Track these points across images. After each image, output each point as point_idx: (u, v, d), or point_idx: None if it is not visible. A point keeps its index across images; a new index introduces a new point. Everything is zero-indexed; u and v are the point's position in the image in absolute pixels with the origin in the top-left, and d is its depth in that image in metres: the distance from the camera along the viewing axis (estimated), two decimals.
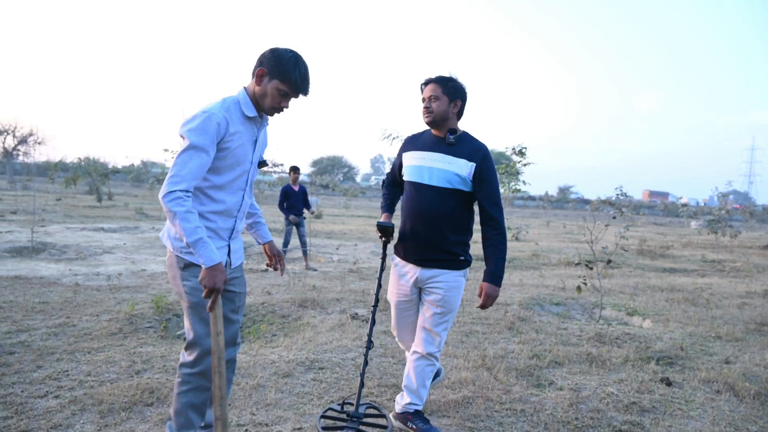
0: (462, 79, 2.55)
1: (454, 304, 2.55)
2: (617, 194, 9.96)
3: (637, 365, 3.79)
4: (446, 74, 2.53)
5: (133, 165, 45.64)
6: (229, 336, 2.12)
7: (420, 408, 2.64)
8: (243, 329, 4.50)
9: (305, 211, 8.01)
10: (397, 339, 2.83)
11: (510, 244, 11.89)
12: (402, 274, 2.62)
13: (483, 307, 2.49)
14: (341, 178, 73.48)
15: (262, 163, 2.28)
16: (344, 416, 2.59)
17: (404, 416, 2.63)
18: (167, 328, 4.15)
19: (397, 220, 2.69)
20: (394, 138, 13.72)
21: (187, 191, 1.87)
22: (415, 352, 2.61)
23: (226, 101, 2.03)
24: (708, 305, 6.18)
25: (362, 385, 2.59)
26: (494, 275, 2.47)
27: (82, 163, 25.71)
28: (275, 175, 35.41)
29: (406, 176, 2.61)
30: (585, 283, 5.31)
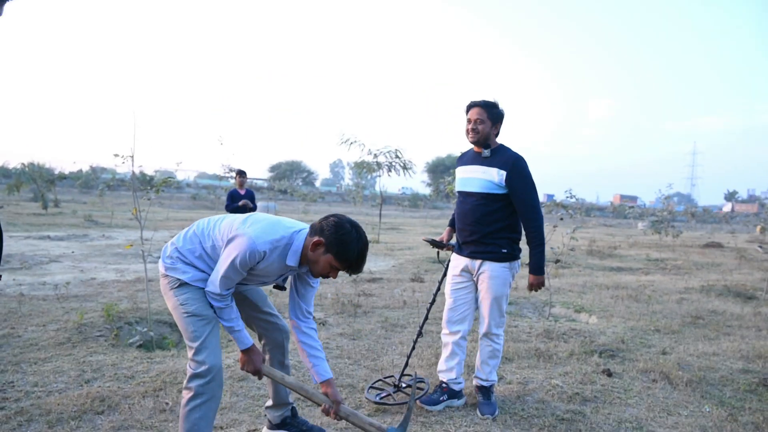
0: (501, 104, 2.99)
1: (501, 292, 2.96)
2: (567, 197, 10.36)
3: (581, 358, 3.99)
4: (490, 100, 2.95)
5: (81, 171, 43.83)
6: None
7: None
8: None
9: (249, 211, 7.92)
10: (446, 317, 3.13)
11: None
12: (458, 266, 3.06)
13: (530, 290, 3.02)
14: (300, 183, 72.85)
15: (280, 287, 2.42)
16: (390, 385, 3.20)
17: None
18: (118, 336, 4.06)
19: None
20: (351, 143, 13.80)
21: (223, 294, 2.12)
22: (483, 335, 3.06)
23: (279, 241, 2.09)
24: (649, 301, 6.53)
25: (407, 365, 3.29)
26: (535, 266, 2.94)
27: (26, 168, 24.51)
28: (231, 181, 34.84)
29: (456, 187, 3.14)
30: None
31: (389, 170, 14.45)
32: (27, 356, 3.50)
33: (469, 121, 2.95)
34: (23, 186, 23.82)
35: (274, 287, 2.42)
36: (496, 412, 2.92)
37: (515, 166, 2.88)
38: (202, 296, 2.16)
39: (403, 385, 3.22)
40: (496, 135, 3.00)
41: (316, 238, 2.07)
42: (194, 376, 2.06)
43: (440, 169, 65.75)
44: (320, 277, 2.20)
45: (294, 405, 2.62)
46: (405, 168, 14.40)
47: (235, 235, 2.08)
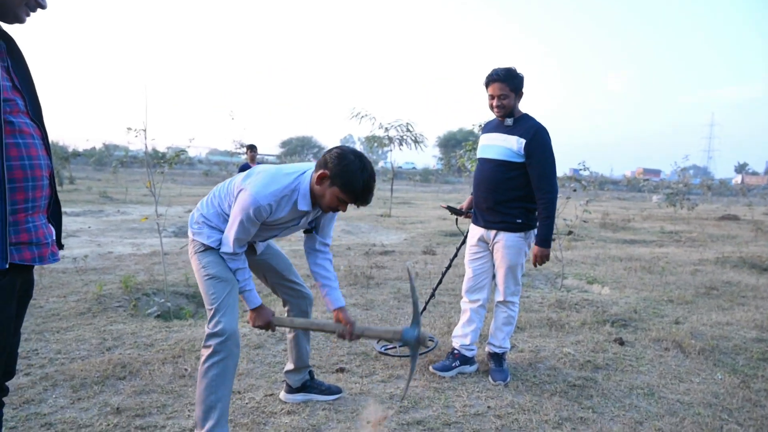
0: (518, 69, 2.89)
1: (516, 261, 2.96)
2: (580, 169, 10.23)
3: (593, 328, 4.00)
4: (508, 69, 2.86)
5: (94, 148, 44.13)
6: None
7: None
8: None
9: None
10: (465, 292, 3.15)
11: None
12: (474, 235, 3.09)
13: (535, 264, 2.95)
14: (311, 159, 72.76)
15: (308, 231, 2.38)
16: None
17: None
18: (137, 307, 4.15)
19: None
20: (362, 117, 13.71)
21: (236, 253, 2.16)
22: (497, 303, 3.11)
23: (283, 191, 2.07)
24: (663, 272, 6.50)
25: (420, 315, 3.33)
26: (541, 238, 2.90)
27: None
28: (243, 156, 34.95)
29: (477, 154, 3.12)
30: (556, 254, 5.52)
31: (400, 144, 14.36)
32: (49, 326, 3.60)
33: (491, 96, 2.90)
34: None
35: (304, 232, 2.39)
36: (508, 379, 2.96)
37: (536, 136, 2.85)
38: (222, 260, 2.20)
39: None
40: (519, 101, 2.97)
41: (320, 171, 2.06)
42: (211, 335, 2.10)
43: (452, 143, 65.21)
44: (330, 212, 2.19)
45: (311, 368, 2.68)
46: (416, 141, 14.31)
47: (238, 192, 2.10)
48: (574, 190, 6.57)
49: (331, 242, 2.41)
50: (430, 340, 3.37)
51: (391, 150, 15.20)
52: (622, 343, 3.66)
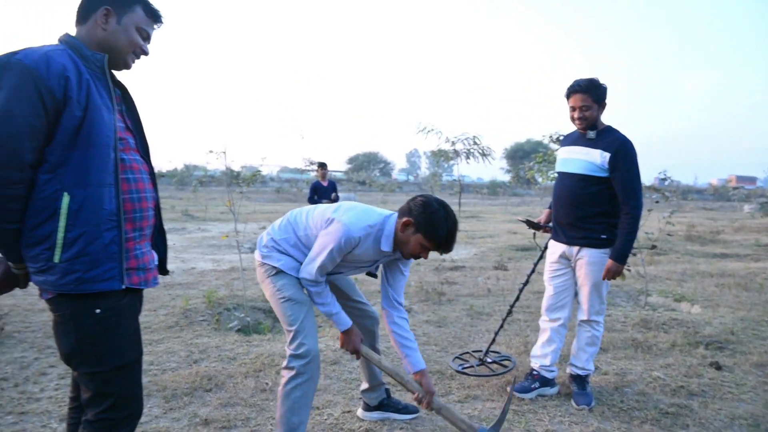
0: (601, 79, 2.80)
1: (600, 279, 2.82)
2: (660, 178, 9.66)
3: (684, 350, 3.73)
4: (590, 80, 2.77)
5: (176, 169, 47.14)
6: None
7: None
8: None
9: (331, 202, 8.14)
10: (545, 310, 3.04)
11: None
12: (555, 251, 2.98)
13: (604, 277, 2.79)
14: (377, 174, 73.74)
15: (372, 274, 2.45)
16: (476, 358, 3.24)
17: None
18: (219, 321, 4.36)
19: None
20: (429, 131, 13.72)
21: (318, 281, 2.19)
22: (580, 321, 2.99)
23: (372, 227, 2.13)
24: (761, 289, 5.97)
25: (493, 341, 3.33)
26: (618, 252, 2.74)
27: None
28: (312, 173, 35.97)
29: (557, 168, 3.03)
30: (629, 270, 5.22)
31: (467, 157, 14.21)
32: (143, 338, 3.84)
33: (573, 108, 2.80)
34: None
35: (367, 274, 2.46)
36: (593, 403, 2.82)
37: (621, 149, 2.73)
38: (296, 282, 2.25)
39: (489, 360, 3.24)
40: (602, 113, 2.87)
41: (405, 219, 2.10)
42: (294, 357, 2.15)
43: (519, 155, 63.76)
44: (412, 258, 2.22)
45: (387, 386, 2.68)
46: (483, 155, 14.09)
47: (330, 222, 2.14)
48: (657, 201, 6.20)
49: (404, 301, 2.42)
50: (507, 360, 3.28)
51: (457, 163, 15.06)
52: (719, 367, 3.38)
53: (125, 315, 1.55)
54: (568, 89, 2.82)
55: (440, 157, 15.09)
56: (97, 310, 1.47)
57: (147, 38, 1.63)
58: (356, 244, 2.11)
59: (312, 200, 8.04)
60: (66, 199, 1.41)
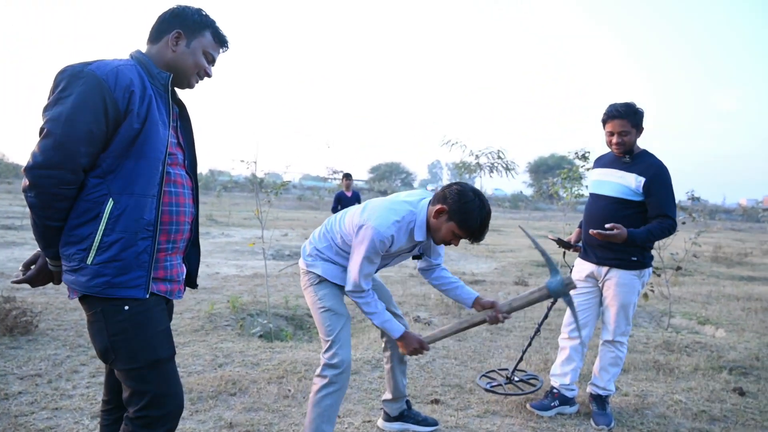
0: (638, 103, 2.82)
1: (628, 300, 2.84)
2: (688, 198, 9.50)
3: (707, 374, 3.69)
4: (628, 105, 2.78)
5: (201, 174, 48.09)
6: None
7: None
8: (312, 331, 4.75)
9: None
10: (569, 322, 3.03)
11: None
12: (584, 270, 2.97)
13: (601, 236, 2.76)
14: (399, 184, 73.84)
15: (418, 256, 2.46)
16: (503, 377, 3.21)
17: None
18: (243, 326, 4.46)
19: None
20: (453, 144, 13.77)
21: (364, 289, 2.20)
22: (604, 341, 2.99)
23: (401, 221, 2.14)
24: None
25: (521, 359, 3.28)
26: (633, 234, 2.67)
27: None
28: (335, 182, 36.29)
29: (589, 189, 3.04)
30: (652, 290, 5.18)
31: (491, 171, 14.19)
32: None
33: (611, 133, 2.81)
34: None
35: (413, 258, 2.46)
36: (612, 424, 2.81)
37: (657, 175, 2.75)
38: (338, 293, 2.31)
39: (516, 378, 3.24)
40: (639, 137, 2.88)
41: (438, 206, 2.12)
42: (328, 366, 2.22)
43: (542, 169, 63.20)
44: (442, 244, 2.24)
45: (408, 398, 2.73)
46: (507, 169, 14.06)
47: (359, 227, 2.15)
48: (683, 223, 6.13)
49: (442, 261, 2.47)
50: (534, 379, 3.27)
51: (480, 176, 15.05)
52: (742, 393, 3.34)
53: (154, 313, 1.59)
54: (606, 114, 2.82)
55: (463, 170, 15.13)
56: (126, 307, 1.52)
57: (212, 61, 1.71)
58: (390, 242, 2.13)
59: (335, 210, 8.14)
60: (110, 204, 1.48)
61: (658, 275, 5.50)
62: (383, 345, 2.64)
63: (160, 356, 1.60)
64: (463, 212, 2.08)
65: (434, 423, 2.70)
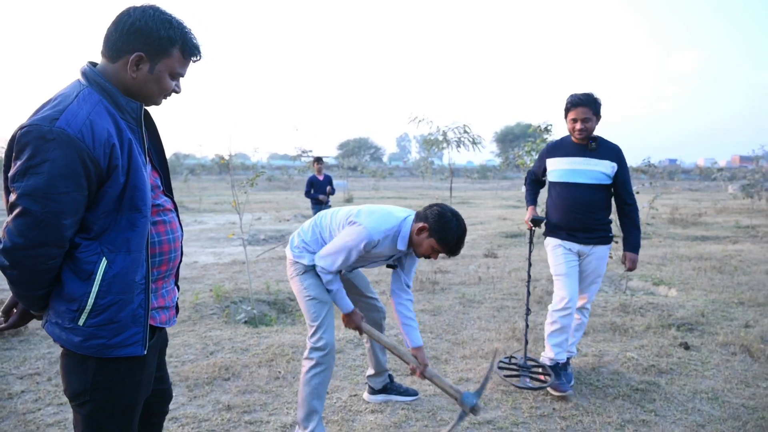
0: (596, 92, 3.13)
1: (604, 270, 3.26)
2: (645, 164, 10.01)
3: (658, 332, 4.09)
4: (589, 94, 3.08)
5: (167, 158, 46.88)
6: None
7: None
8: (295, 314, 4.98)
9: (327, 195, 8.35)
10: (568, 296, 3.15)
11: None
12: (568, 249, 3.20)
13: (631, 270, 3.26)
14: (368, 159, 73.80)
15: (392, 266, 2.70)
16: (515, 366, 3.26)
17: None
18: (228, 314, 4.65)
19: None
20: (420, 121, 13.95)
21: (332, 272, 2.45)
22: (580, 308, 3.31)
23: (390, 230, 2.42)
24: (735, 272, 6.36)
25: (526, 342, 3.35)
26: (634, 245, 3.21)
27: None
28: (306, 160, 36.08)
29: (556, 178, 3.24)
30: (611, 257, 5.56)
31: (458, 146, 14.48)
32: None
33: (575, 120, 3.07)
34: None
35: (387, 266, 2.73)
36: (572, 382, 3.15)
37: (621, 158, 3.14)
38: (321, 282, 2.54)
39: (529, 364, 3.26)
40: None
41: (420, 224, 2.41)
42: (314, 349, 2.48)
43: (509, 138, 64.11)
44: (422, 258, 2.52)
45: (390, 372, 3.00)
46: (474, 143, 14.37)
47: (352, 224, 2.43)
48: (644, 185, 6.53)
49: (412, 284, 2.74)
50: (542, 367, 3.27)
51: (449, 151, 15.33)
52: (687, 347, 3.74)
53: (147, 357, 1.49)
54: (570, 103, 3.08)
55: (431, 145, 15.37)
56: (122, 365, 1.42)
57: (181, 76, 1.49)
58: (375, 245, 2.41)
59: (308, 194, 8.30)
60: (104, 264, 1.35)
61: (616, 242, 5.90)
62: None
63: (138, 400, 1.50)
64: (442, 230, 2.36)
65: (415, 393, 2.99)
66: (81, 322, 1.35)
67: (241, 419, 2.75)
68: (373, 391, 2.96)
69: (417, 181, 42.47)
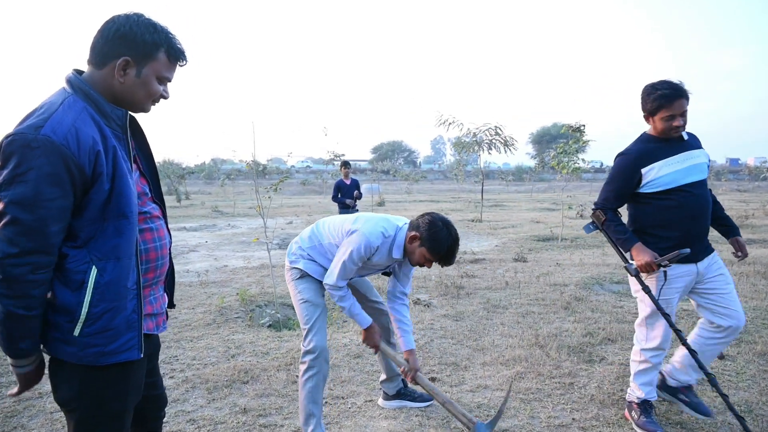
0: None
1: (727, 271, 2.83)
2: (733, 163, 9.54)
3: None
4: (682, 84, 2.62)
5: (204, 163, 48.36)
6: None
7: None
8: None
9: (354, 200, 8.41)
10: (664, 338, 2.77)
11: (573, 222, 11.81)
12: (682, 279, 2.72)
13: (746, 255, 2.92)
14: (402, 163, 73.84)
15: (387, 273, 2.77)
16: None
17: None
18: (252, 318, 4.72)
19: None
20: (450, 123, 13.87)
21: (339, 286, 2.49)
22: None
23: (387, 237, 2.46)
24: None
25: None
26: (736, 228, 2.94)
27: (161, 165, 27.75)
28: (336, 163, 36.42)
29: (673, 183, 2.62)
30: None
31: (489, 148, 14.32)
32: (184, 335, 4.23)
33: (673, 117, 2.58)
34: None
35: (383, 273, 2.81)
36: (710, 413, 2.76)
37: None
38: (316, 287, 2.60)
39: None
40: None
41: (412, 233, 2.44)
42: (306, 352, 2.54)
43: (546, 139, 62.93)
44: (417, 266, 2.54)
45: (404, 377, 2.98)
46: (506, 144, 14.18)
47: (350, 232, 2.48)
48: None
49: (409, 292, 2.75)
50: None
51: (479, 155, 15.18)
52: (722, 356, 3.55)
53: (140, 362, 1.50)
54: (671, 95, 2.57)
55: (462, 148, 15.25)
56: (118, 370, 1.43)
57: (169, 81, 1.52)
58: (374, 251, 2.44)
59: (336, 198, 8.36)
60: (94, 272, 1.35)
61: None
62: None
63: (127, 407, 1.50)
64: (432, 239, 2.38)
65: (428, 399, 2.95)
66: (76, 332, 1.36)
67: (256, 422, 2.78)
68: (388, 397, 2.95)
69: (451, 184, 42.20)
